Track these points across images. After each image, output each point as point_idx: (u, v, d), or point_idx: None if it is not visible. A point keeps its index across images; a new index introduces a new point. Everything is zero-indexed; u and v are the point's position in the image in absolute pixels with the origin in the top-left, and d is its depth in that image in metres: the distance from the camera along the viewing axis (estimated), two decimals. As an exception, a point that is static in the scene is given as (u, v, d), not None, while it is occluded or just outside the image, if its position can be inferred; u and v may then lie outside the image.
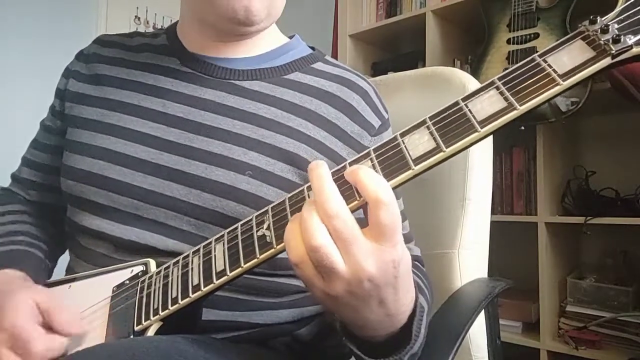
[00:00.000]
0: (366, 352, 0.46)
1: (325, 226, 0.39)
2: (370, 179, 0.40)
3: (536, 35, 1.62)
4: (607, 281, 1.69)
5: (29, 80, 2.24)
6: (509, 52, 1.67)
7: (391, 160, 0.42)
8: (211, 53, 0.69)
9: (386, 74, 1.12)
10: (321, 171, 0.41)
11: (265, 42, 0.71)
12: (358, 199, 0.41)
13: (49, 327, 0.51)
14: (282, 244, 0.44)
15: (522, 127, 1.62)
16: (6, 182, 0.80)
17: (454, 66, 1.95)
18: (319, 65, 0.71)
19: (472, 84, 0.88)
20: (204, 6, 0.64)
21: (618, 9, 0.40)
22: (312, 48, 0.76)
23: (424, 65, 2.03)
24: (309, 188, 0.45)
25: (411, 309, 0.46)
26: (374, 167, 0.42)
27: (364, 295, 0.40)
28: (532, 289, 1.72)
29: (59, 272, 0.69)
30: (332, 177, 0.41)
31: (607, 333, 1.61)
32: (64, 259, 0.71)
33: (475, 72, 1.71)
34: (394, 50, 2.44)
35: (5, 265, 0.60)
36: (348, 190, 0.41)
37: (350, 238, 0.39)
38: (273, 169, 0.60)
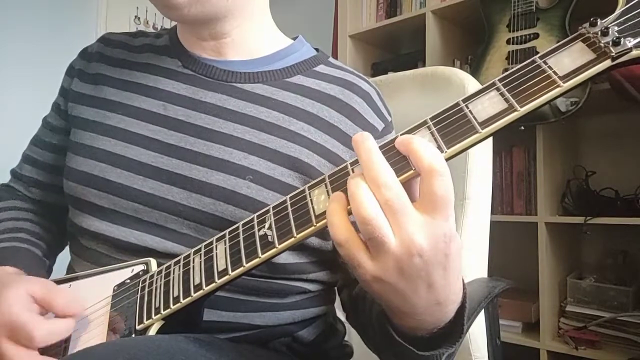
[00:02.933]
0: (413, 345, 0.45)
1: (374, 198, 0.38)
2: (425, 148, 0.39)
3: (536, 36, 1.63)
4: (607, 281, 1.69)
5: (29, 79, 2.25)
6: (509, 52, 1.67)
7: (393, 160, 0.42)
8: (212, 55, 0.69)
9: (386, 74, 1.12)
10: (369, 143, 0.40)
11: (266, 44, 0.71)
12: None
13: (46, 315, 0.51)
14: (284, 244, 0.44)
15: (522, 127, 1.62)
16: (5, 178, 0.80)
17: (454, 66, 1.95)
18: (321, 68, 0.71)
19: (472, 84, 0.89)
20: None
21: (618, 11, 0.40)
22: (317, 49, 0.75)
23: (424, 65, 2.04)
24: (310, 187, 0.45)
25: (459, 303, 0.44)
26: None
27: (412, 274, 0.39)
28: (532, 289, 1.72)
29: (59, 271, 0.69)
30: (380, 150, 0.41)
31: (607, 333, 1.61)
32: (65, 259, 0.71)
33: (475, 72, 1.72)
34: (394, 50, 2.44)
35: (3, 262, 0.60)
36: (398, 163, 0.40)
37: (401, 209, 0.38)
38: (273, 174, 0.60)
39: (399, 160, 0.41)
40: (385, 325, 0.47)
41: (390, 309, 0.44)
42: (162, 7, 0.63)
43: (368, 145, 0.40)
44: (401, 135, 0.42)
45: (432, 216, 0.38)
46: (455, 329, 0.45)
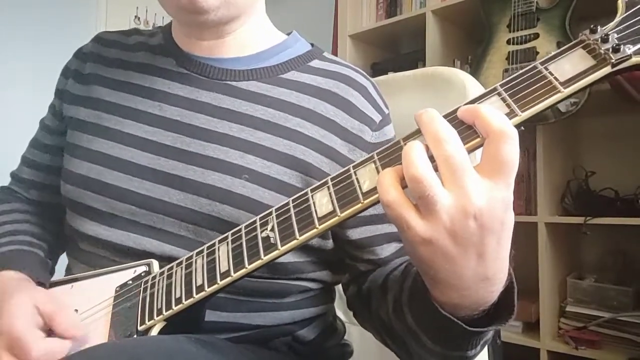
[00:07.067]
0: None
1: (428, 158, 0.37)
2: (494, 113, 0.38)
3: (536, 36, 1.63)
4: (607, 281, 1.69)
5: (29, 80, 2.25)
6: (509, 52, 1.67)
7: (398, 162, 0.42)
8: (206, 53, 0.68)
9: (386, 74, 1.12)
10: (432, 111, 0.39)
11: (260, 41, 0.70)
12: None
13: (49, 330, 0.51)
14: (286, 246, 0.44)
15: (522, 128, 1.61)
16: (5, 181, 0.80)
17: (454, 66, 1.95)
18: (315, 63, 0.70)
19: (473, 84, 0.88)
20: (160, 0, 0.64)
21: (618, 18, 0.40)
22: (312, 44, 0.74)
23: (424, 65, 2.04)
24: (313, 190, 0.45)
25: (505, 285, 0.42)
26: (377, 169, 0.43)
27: (465, 237, 0.37)
28: (532, 289, 1.72)
29: (58, 272, 0.69)
30: None
31: (607, 333, 1.61)
32: (65, 259, 0.71)
33: (475, 72, 1.71)
34: (394, 50, 2.44)
35: (7, 266, 0.59)
36: (462, 133, 0.39)
37: (461, 166, 0.36)
38: (269, 172, 0.60)
39: (463, 131, 0.39)
40: (425, 301, 0.44)
41: (435, 281, 0.41)
42: (188, 12, 0.61)
43: (431, 112, 0.39)
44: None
45: (494, 180, 0.37)
46: (501, 313, 0.43)
